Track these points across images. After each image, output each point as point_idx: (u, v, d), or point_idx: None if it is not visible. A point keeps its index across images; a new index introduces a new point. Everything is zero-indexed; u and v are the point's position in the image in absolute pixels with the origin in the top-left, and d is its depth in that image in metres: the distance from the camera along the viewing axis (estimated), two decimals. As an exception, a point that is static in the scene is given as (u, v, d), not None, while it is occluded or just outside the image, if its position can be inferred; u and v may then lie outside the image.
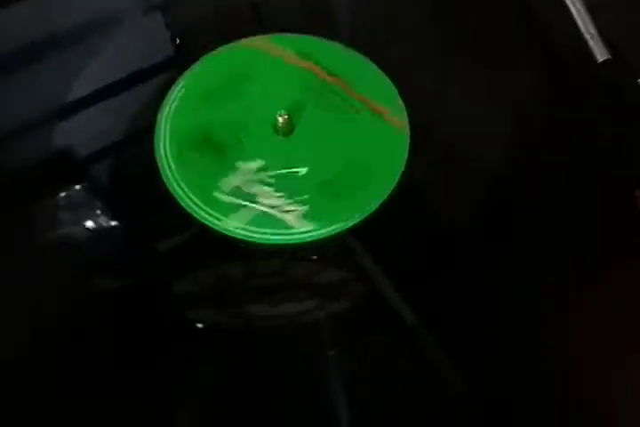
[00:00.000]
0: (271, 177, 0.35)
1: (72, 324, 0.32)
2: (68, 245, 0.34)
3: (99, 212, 0.35)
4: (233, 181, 0.35)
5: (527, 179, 0.36)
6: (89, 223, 0.34)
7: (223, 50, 0.39)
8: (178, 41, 0.39)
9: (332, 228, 0.34)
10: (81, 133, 0.37)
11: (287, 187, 0.35)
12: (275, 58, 0.38)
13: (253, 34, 0.38)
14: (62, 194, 0.35)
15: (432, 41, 0.40)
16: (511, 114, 0.37)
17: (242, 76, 0.38)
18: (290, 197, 0.35)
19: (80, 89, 0.38)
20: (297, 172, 0.35)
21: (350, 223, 0.34)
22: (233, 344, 0.33)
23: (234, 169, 0.36)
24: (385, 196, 0.35)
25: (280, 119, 0.35)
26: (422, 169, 0.36)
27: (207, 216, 0.34)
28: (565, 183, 0.35)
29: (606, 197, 0.34)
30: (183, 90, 0.37)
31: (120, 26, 0.40)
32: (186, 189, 0.35)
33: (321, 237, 0.34)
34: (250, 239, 0.34)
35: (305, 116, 0.36)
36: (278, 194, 0.35)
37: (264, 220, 0.34)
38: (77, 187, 0.35)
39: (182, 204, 0.34)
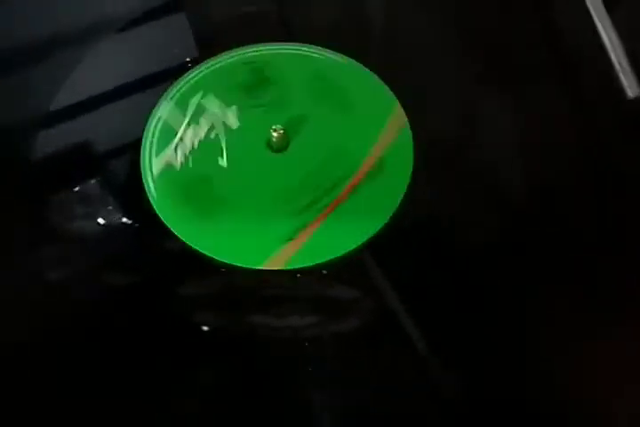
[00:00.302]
0: (216, 136, 0.35)
1: (76, 318, 0.32)
2: (79, 239, 0.34)
3: (111, 208, 0.34)
4: (213, 105, 0.36)
5: (544, 209, 0.35)
6: (101, 219, 0.34)
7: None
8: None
9: (153, 196, 0.34)
10: (99, 129, 0.37)
11: (204, 151, 0.34)
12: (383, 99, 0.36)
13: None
14: (76, 188, 0.35)
15: (458, 71, 0.39)
16: (532, 145, 0.37)
17: (336, 84, 0.36)
18: (191, 153, 0.34)
19: (103, 85, 0.38)
20: (222, 158, 0.34)
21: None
22: (234, 351, 0.32)
23: (229, 104, 0.35)
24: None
25: (274, 134, 0.33)
26: (433, 191, 0.35)
27: (171, 93, 0.36)
28: (585, 214, 0.35)
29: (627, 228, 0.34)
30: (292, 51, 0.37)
31: (146, 24, 0.40)
32: (200, 77, 0.36)
33: (141, 180, 0.34)
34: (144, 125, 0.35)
35: (303, 159, 0.34)
36: (196, 143, 0.34)
37: (168, 131, 0.35)
38: (92, 181, 0.35)
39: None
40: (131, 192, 0.35)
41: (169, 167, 0.34)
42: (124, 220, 0.34)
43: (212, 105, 0.36)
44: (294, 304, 0.33)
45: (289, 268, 0.32)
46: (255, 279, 0.33)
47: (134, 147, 0.35)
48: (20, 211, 0.35)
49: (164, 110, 0.36)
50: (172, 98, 0.36)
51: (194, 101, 0.36)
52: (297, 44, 0.37)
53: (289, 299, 0.33)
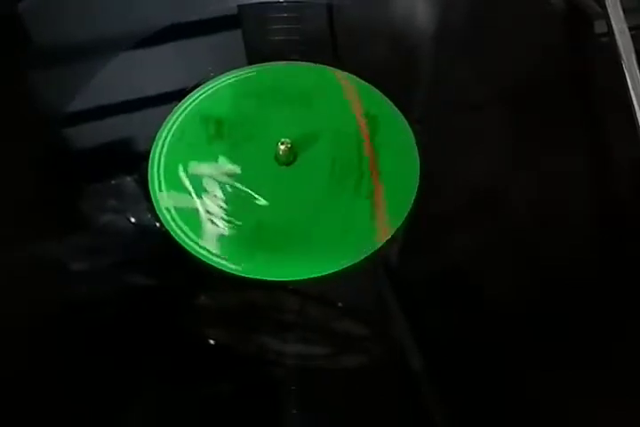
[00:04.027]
0: (233, 187, 0.35)
1: (78, 310, 0.32)
2: (105, 232, 0.35)
3: (143, 207, 0.35)
4: (203, 169, 0.35)
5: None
6: (130, 216, 0.35)
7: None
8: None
9: (232, 267, 0.33)
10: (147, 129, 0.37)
11: (236, 204, 0.34)
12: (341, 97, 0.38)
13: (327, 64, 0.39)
14: (113, 182, 0.35)
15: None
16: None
17: (296, 90, 0.38)
18: (228, 214, 0.34)
19: (159, 86, 0.39)
20: (257, 199, 0.34)
21: (244, 275, 0.33)
22: (235, 370, 0.32)
23: (214, 159, 0.35)
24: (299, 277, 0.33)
25: (282, 147, 0.34)
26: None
27: (155, 183, 0.35)
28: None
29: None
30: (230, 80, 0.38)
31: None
32: (163, 154, 0.36)
33: (209, 263, 0.33)
34: (161, 220, 0.34)
35: (316, 157, 0.36)
36: (223, 204, 0.34)
37: (189, 214, 0.34)
38: (129, 178, 0.35)
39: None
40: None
41: (222, 238, 0.34)
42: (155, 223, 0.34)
43: (201, 168, 0.35)
44: (303, 332, 0.33)
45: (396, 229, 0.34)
46: (272, 298, 0.33)
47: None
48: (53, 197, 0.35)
49: (165, 201, 0.35)
50: (160, 188, 0.35)
51: (182, 176, 0.35)
52: (225, 74, 0.38)
53: (299, 326, 0.33)
